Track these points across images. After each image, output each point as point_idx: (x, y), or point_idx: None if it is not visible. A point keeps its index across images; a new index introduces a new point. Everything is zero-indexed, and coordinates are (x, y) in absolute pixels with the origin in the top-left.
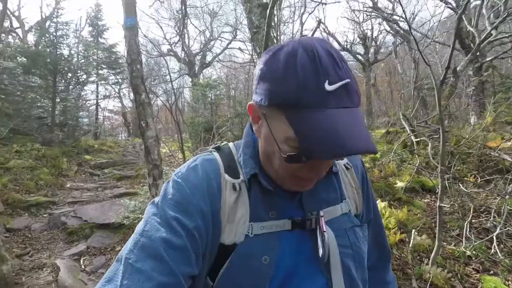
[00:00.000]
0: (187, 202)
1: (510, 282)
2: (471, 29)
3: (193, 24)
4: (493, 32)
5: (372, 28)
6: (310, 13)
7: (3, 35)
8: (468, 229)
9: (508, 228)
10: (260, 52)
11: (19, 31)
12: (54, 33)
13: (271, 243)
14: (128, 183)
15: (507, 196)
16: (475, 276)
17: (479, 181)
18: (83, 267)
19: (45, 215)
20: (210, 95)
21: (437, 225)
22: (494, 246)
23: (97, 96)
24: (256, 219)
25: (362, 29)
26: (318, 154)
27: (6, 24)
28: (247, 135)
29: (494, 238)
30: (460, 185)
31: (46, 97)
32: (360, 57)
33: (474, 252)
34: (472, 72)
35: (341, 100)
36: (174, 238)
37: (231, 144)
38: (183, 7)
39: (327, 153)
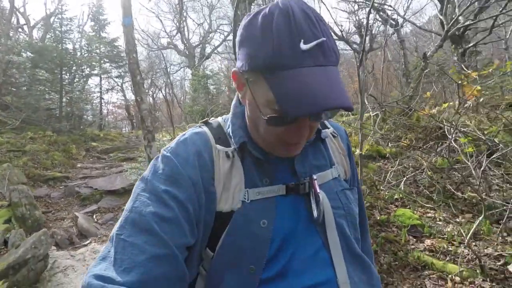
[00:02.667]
0: (177, 174)
1: (417, 212)
2: (440, 16)
3: (190, 18)
4: (461, 18)
5: (368, 17)
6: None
7: (11, 31)
8: (402, 180)
9: (426, 177)
10: None
11: (24, 27)
12: (60, 29)
13: (268, 207)
14: (132, 163)
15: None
16: (394, 209)
17: (424, 146)
18: (95, 220)
19: (61, 187)
20: (207, 85)
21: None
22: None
23: (100, 89)
24: (251, 185)
25: (357, 18)
26: (294, 112)
27: (13, 20)
28: (235, 107)
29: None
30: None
31: (53, 89)
32: (356, 46)
33: (401, 195)
34: (456, 57)
35: (316, 58)
36: (165, 211)
37: (219, 118)
38: (180, 1)
39: (302, 110)
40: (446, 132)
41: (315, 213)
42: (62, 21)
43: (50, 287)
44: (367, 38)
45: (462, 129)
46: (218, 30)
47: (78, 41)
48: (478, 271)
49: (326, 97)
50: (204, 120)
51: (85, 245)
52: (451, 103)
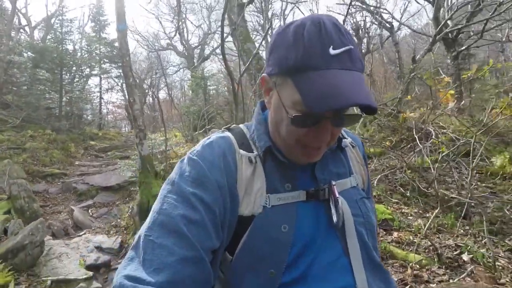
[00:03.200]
0: (204, 177)
1: (391, 207)
2: (430, 21)
3: (188, 20)
4: (449, 22)
5: (365, 20)
6: (294, 5)
7: (13, 32)
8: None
9: (405, 176)
10: (239, 46)
11: (26, 28)
12: (60, 30)
13: (289, 212)
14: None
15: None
16: None
17: (404, 147)
18: (91, 214)
19: (59, 183)
20: (205, 86)
21: None
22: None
23: (100, 89)
24: (272, 191)
25: (355, 20)
26: (318, 107)
27: (15, 21)
28: (258, 114)
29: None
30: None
31: (53, 89)
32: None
33: (378, 192)
34: (450, 60)
35: (344, 63)
36: (193, 214)
37: (241, 125)
38: (179, 3)
39: (326, 105)
40: (415, 134)
41: (334, 218)
42: (62, 22)
43: (45, 271)
44: (365, 40)
45: (442, 131)
46: (217, 32)
47: (78, 42)
48: (435, 259)
49: (350, 95)
50: (227, 126)
51: (79, 236)
52: (428, 107)
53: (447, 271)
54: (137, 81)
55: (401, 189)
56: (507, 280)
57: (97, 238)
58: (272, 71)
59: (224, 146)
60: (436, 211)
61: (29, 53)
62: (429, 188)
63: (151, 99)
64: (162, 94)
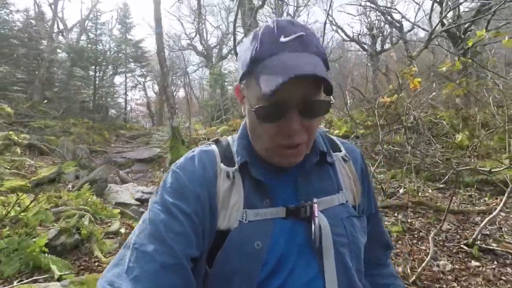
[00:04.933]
0: (184, 188)
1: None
2: (427, 20)
3: (208, 21)
4: (445, 21)
5: (380, 19)
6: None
7: (53, 34)
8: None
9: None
10: None
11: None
12: (95, 32)
13: (265, 229)
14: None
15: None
16: None
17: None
18: (130, 177)
19: (101, 157)
20: (222, 82)
21: None
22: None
23: (125, 86)
24: (250, 206)
25: (369, 19)
26: (269, 86)
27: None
28: (243, 128)
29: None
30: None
31: (87, 85)
32: (367, 47)
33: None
34: (457, 57)
35: (294, 48)
36: (174, 223)
37: (229, 137)
38: (199, 5)
39: (276, 81)
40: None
41: (312, 238)
42: (96, 26)
43: (110, 197)
44: (379, 40)
45: (416, 113)
46: (237, 32)
47: (107, 43)
48: (381, 193)
49: (299, 67)
50: (215, 138)
51: (126, 183)
52: (401, 95)
53: (386, 198)
54: (169, 70)
55: (376, 157)
56: (420, 196)
57: (139, 187)
58: (240, 76)
59: (206, 160)
60: (379, 160)
61: (64, 53)
62: (396, 154)
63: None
64: (182, 93)
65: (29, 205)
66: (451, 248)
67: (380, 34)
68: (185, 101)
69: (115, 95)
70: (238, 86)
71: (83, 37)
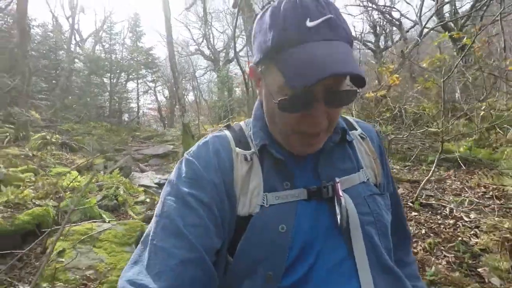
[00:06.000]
0: (199, 177)
1: None
2: (416, 18)
3: (213, 27)
4: (434, 18)
5: (383, 17)
6: None
7: (71, 45)
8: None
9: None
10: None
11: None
12: (109, 42)
13: (288, 212)
14: (168, 144)
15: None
16: None
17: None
18: (148, 168)
19: (121, 154)
20: (227, 84)
21: None
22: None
23: (137, 91)
24: (270, 189)
25: (371, 17)
26: (300, 82)
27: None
28: (256, 110)
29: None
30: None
31: (103, 91)
32: (370, 45)
33: None
34: (456, 52)
35: (323, 34)
36: (191, 214)
37: (241, 122)
38: (205, 13)
39: (308, 79)
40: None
41: (338, 218)
42: (111, 36)
43: (134, 181)
44: (382, 37)
45: (401, 106)
46: (240, 36)
47: (120, 52)
48: None
49: (333, 64)
50: (226, 124)
51: (146, 172)
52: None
53: None
54: (179, 74)
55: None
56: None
57: (157, 175)
58: (257, 59)
59: (219, 145)
60: None
61: (81, 63)
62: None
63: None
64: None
65: (79, 180)
66: None
67: (383, 32)
68: (194, 103)
69: (128, 101)
70: (253, 68)
71: (98, 47)
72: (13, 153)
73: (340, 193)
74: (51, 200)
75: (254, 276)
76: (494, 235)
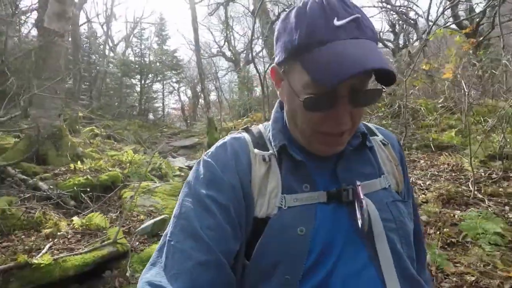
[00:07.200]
0: (218, 178)
1: None
2: (423, 13)
3: (234, 30)
4: (441, 19)
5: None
6: None
7: (107, 50)
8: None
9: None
10: (269, 52)
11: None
12: (140, 46)
13: (307, 214)
14: (193, 138)
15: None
16: None
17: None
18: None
19: (154, 146)
20: (247, 84)
21: None
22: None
23: (163, 92)
24: (289, 191)
25: (390, 17)
26: (328, 80)
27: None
28: (276, 112)
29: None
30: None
31: (133, 92)
32: (389, 44)
33: None
34: (471, 50)
35: (350, 33)
36: (208, 216)
37: (260, 125)
38: (226, 17)
39: (332, 77)
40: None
41: (359, 223)
42: (141, 41)
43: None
44: (401, 35)
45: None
46: (259, 38)
47: (149, 55)
48: None
49: (365, 60)
50: (245, 126)
51: (177, 158)
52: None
53: None
54: (204, 76)
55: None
56: None
57: (187, 161)
58: (280, 59)
59: (238, 146)
60: None
61: (115, 67)
62: None
63: (203, 101)
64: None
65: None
66: None
67: (403, 30)
68: (216, 102)
69: (155, 100)
70: (274, 69)
71: (128, 51)
72: (75, 141)
73: (361, 196)
74: (117, 168)
75: (271, 280)
76: (435, 193)
